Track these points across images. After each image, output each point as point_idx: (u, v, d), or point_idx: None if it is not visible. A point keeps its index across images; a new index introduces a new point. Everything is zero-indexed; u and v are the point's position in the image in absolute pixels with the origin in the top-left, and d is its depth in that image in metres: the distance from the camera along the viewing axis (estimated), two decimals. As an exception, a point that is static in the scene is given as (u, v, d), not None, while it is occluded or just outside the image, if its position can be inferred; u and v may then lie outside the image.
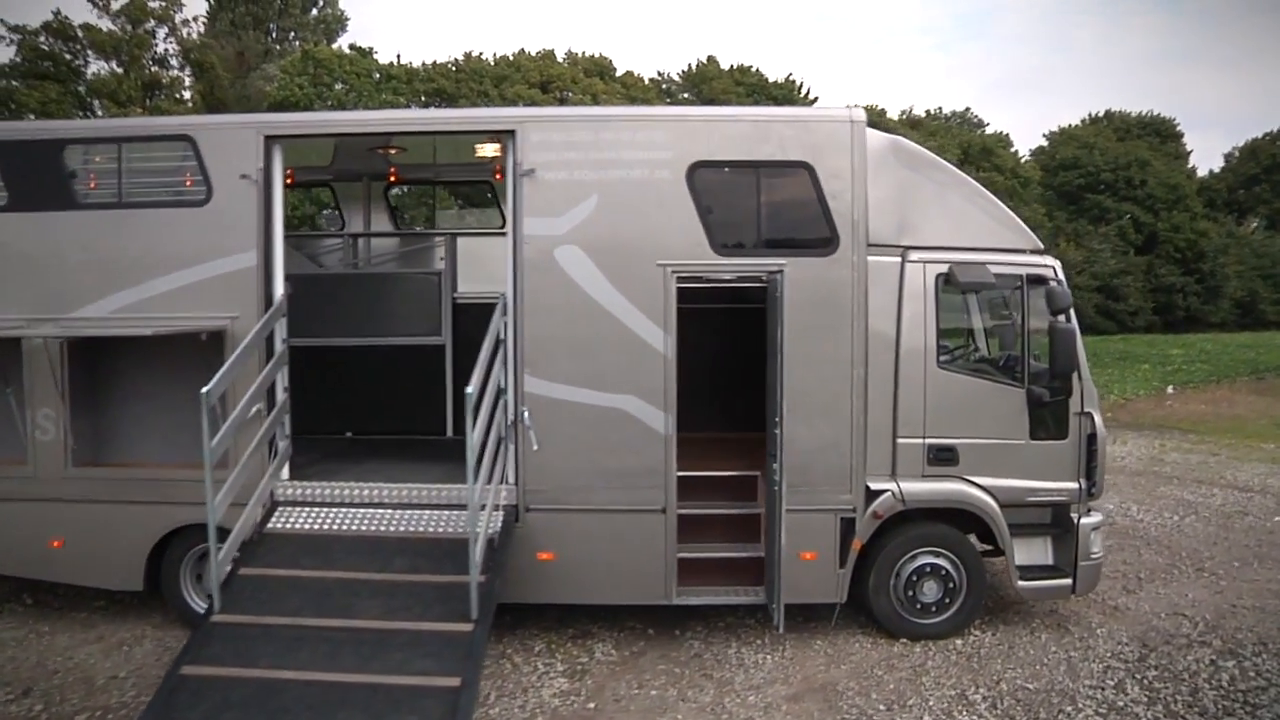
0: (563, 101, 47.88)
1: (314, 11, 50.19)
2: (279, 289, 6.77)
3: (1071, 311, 6.80)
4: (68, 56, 32.47)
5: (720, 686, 6.20)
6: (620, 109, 7.29)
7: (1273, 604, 7.75)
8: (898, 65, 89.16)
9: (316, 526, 6.56)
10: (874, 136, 6.76)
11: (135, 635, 7.06)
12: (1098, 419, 6.93)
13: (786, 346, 6.42)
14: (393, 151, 8.18)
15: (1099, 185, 45.87)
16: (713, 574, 6.97)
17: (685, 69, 52.48)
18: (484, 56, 49.25)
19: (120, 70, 32.87)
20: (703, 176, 6.52)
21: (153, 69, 34.09)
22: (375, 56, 43.47)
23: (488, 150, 6.80)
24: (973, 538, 7.08)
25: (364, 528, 6.52)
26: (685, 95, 51.00)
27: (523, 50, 50.15)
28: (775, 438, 6.28)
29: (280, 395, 6.77)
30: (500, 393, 6.62)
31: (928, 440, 6.79)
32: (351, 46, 42.86)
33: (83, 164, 6.90)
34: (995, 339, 7.68)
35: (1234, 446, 15.71)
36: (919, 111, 51.60)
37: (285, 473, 6.89)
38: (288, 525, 6.59)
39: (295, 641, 5.57)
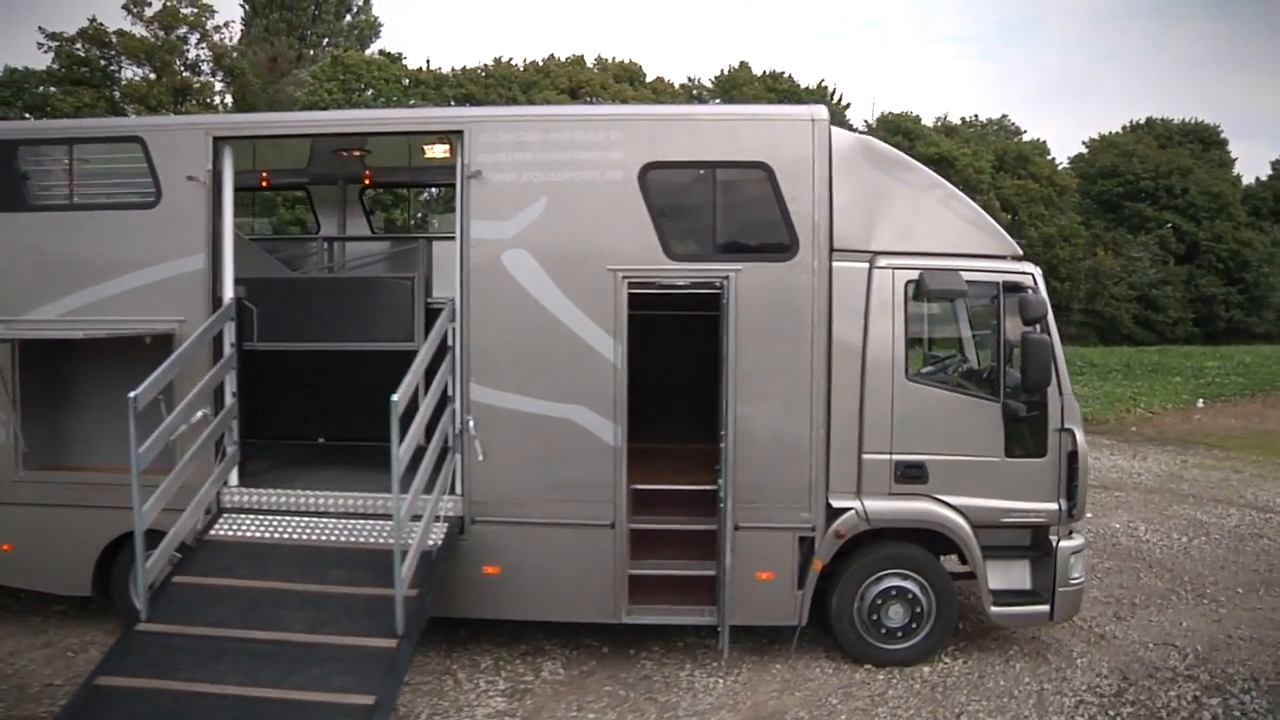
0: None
1: (348, 18, 50.72)
2: (228, 292, 6.64)
3: (1050, 321, 6.45)
4: (103, 62, 33.07)
5: (663, 712, 5.93)
6: (571, 108, 7.09)
7: (1272, 635, 7.28)
8: (940, 73, 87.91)
9: (259, 534, 6.42)
10: (841, 136, 6.46)
11: (84, 642, 6.96)
12: (1079, 436, 6.54)
13: (742, 355, 6.16)
14: (357, 153, 8.04)
15: (1139, 193, 44.74)
16: (667, 592, 6.68)
17: (717, 74, 52.15)
18: (514, 62, 49.34)
19: (152, 76, 33.36)
20: (656, 178, 6.27)
21: (184, 74, 34.55)
22: (405, 62, 43.82)
23: (437, 151, 6.62)
24: (952, 559, 6.74)
25: (305, 536, 6.36)
26: (716, 101, 50.71)
27: (552, 56, 50.27)
28: (723, 451, 5.97)
29: (229, 400, 6.65)
30: (447, 401, 6.44)
31: (895, 456, 6.46)
32: (381, 52, 43.25)
33: (35, 165, 6.83)
34: (972, 350, 7.33)
35: (1260, 464, 15.04)
36: (954, 119, 50.86)
37: (234, 478, 6.75)
38: (230, 532, 6.46)
39: (217, 653, 5.41)
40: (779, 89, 48.93)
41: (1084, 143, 52.26)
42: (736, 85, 48.94)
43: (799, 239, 6.20)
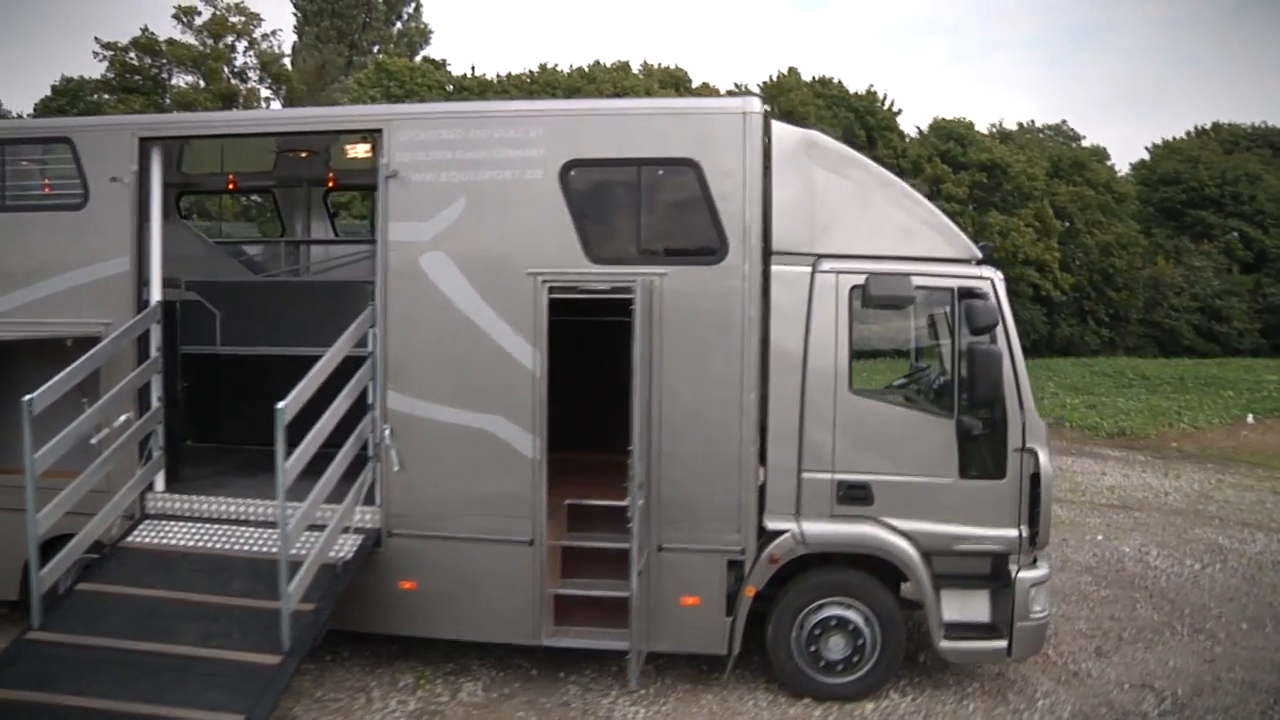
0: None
1: (398, 25, 51.35)
2: (155, 295, 6.51)
3: (1008, 331, 5.93)
4: (154, 70, 33.99)
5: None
6: (492, 104, 6.82)
7: (1266, 679, 6.63)
8: (1004, 79, 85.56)
9: (174, 542, 6.26)
10: (784, 132, 6.08)
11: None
12: (1043, 457, 5.99)
13: (668, 365, 5.83)
14: (304, 155, 7.86)
15: (1202, 200, 42.75)
16: (597, 614, 6.30)
17: (765, 81, 51.50)
18: (559, 68, 49.36)
19: (201, 83, 34.19)
20: (578, 177, 5.95)
21: (232, 81, 35.33)
22: (449, 68, 44.17)
23: (359, 151, 6.40)
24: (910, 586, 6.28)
25: (219, 545, 6.17)
26: (765, 109, 50.10)
27: (598, 62, 50.22)
28: (630, 467, 5.57)
29: (154, 404, 6.51)
30: (369, 408, 6.21)
31: (837, 475, 6.01)
32: (425, 59, 43.63)
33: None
34: (926, 361, 6.85)
35: (1304, 486, 14.06)
36: (1011, 125, 49.39)
37: (160, 483, 6.61)
38: (147, 539, 6.31)
39: (100, 665, 5.25)
40: (827, 95, 48.14)
41: (1147, 148, 50.19)
42: (783, 91, 48.24)
43: (728, 241, 5.82)
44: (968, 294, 5.93)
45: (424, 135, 6.06)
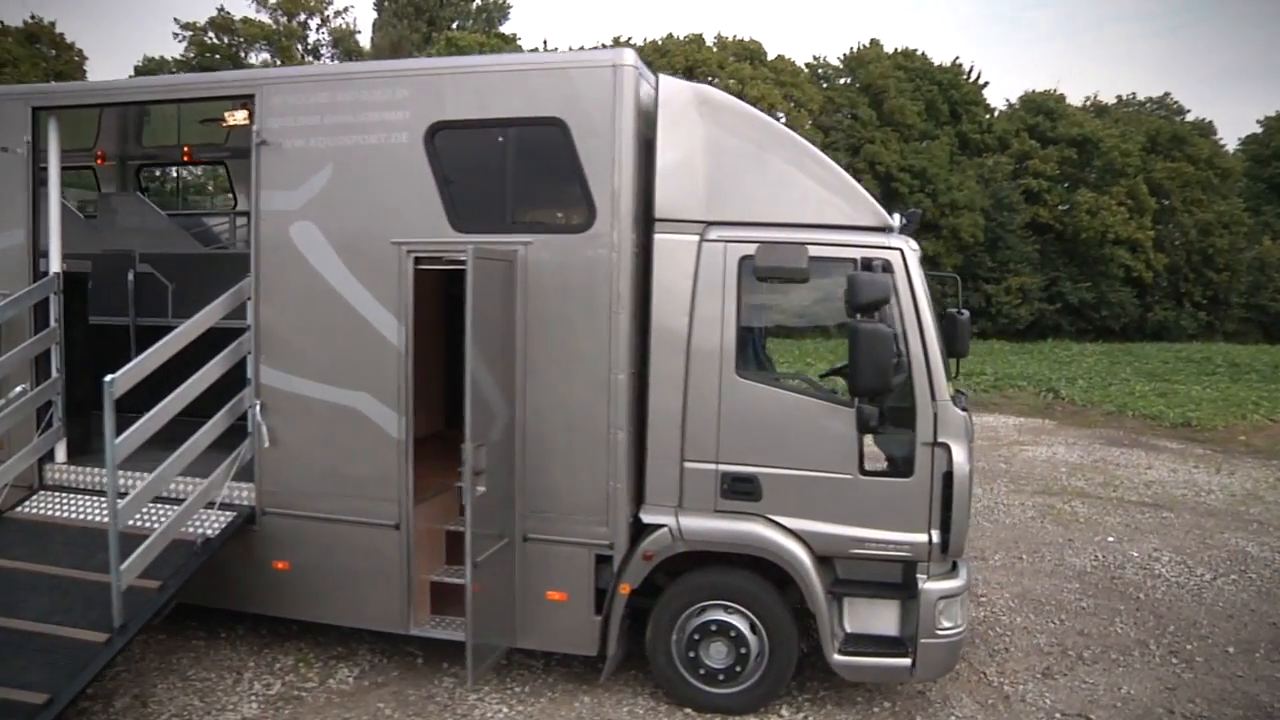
0: (711, 87, 46.87)
1: (476, 1, 51.55)
2: (55, 266, 6.44)
3: (918, 309, 5.27)
4: (231, 49, 35.01)
5: (414, 740, 5.30)
6: (359, 64, 6.44)
7: (1230, 714, 5.83)
8: (1113, 51, 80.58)
9: (56, 514, 6.21)
10: (673, 87, 5.55)
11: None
12: (958, 453, 5.29)
13: (533, 342, 5.44)
14: (223, 124, 7.64)
15: (1320, 174, 39.43)
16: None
17: (845, 53, 49.79)
18: (633, 41, 48.77)
19: (275, 61, 35.05)
20: (444, 140, 5.55)
21: (305, 58, 36.12)
22: (520, 43, 44.18)
23: (239, 118, 6.16)
24: None
25: (97, 519, 6.06)
26: (843, 81, 48.53)
27: (670, 35, 49.42)
28: (464, 451, 5.12)
29: (53, 374, 6.46)
30: (248, 382, 6.01)
31: (722, 467, 5.50)
32: (496, 34, 43.73)
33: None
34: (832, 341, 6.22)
35: (1376, 491, 12.61)
36: (1108, 98, 46.47)
37: (61, 455, 6.57)
38: (33, 511, 6.29)
39: None
40: (910, 67, 46.21)
41: (1259, 122, 46.48)
42: (863, 63, 46.54)
43: (596, 207, 5.34)
44: (870, 266, 5.29)
45: (294, 100, 5.77)
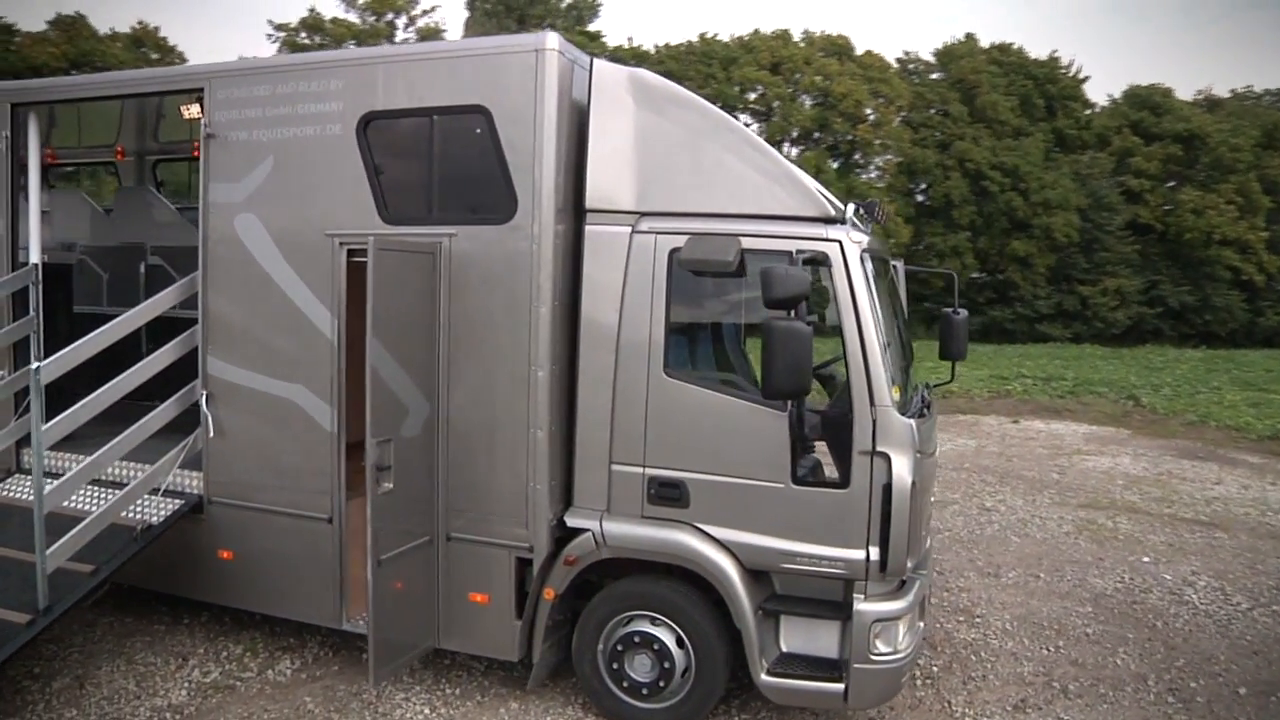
0: (793, 84, 46.02)
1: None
2: (34, 257, 6.66)
3: (857, 305, 4.86)
4: (321, 48, 36.21)
5: (325, 737, 5.23)
6: (298, 56, 6.37)
7: (1215, 760, 5.25)
8: (1233, 43, 75.62)
9: (23, 497, 6.36)
10: (606, 72, 5.32)
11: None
12: (899, 463, 4.88)
13: (457, 336, 5.32)
14: (186, 115, 7.67)
15: None
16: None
17: (937, 48, 48.13)
18: (719, 38, 48.25)
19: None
20: (375, 130, 5.47)
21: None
22: (604, 40, 44.24)
23: (193, 111, 6.22)
24: None
25: (66, 502, 6.17)
26: (934, 76, 46.97)
27: (757, 31, 48.75)
28: (370, 449, 5.00)
29: (32, 361, 6.66)
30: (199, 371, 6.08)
31: (649, 470, 5.25)
32: (580, 31, 43.88)
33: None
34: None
35: None
36: (1221, 91, 43.55)
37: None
38: (2, 494, 6.49)
39: None
40: (1004, 61, 44.37)
41: (1405, 112, 42.76)
42: (954, 58, 44.89)
43: (518, 198, 5.16)
44: (815, 260, 4.90)
45: (238, 93, 5.79)
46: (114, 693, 5.63)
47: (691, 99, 5.38)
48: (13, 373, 6.59)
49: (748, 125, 49.70)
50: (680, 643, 5.27)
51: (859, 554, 4.94)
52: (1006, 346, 35.50)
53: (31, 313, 6.64)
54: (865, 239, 5.16)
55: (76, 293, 7.45)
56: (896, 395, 5.03)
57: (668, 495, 5.21)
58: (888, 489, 4.87)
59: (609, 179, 5.27)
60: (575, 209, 5.32)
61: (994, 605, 7.64)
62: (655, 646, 5.27)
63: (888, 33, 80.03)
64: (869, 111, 45.07)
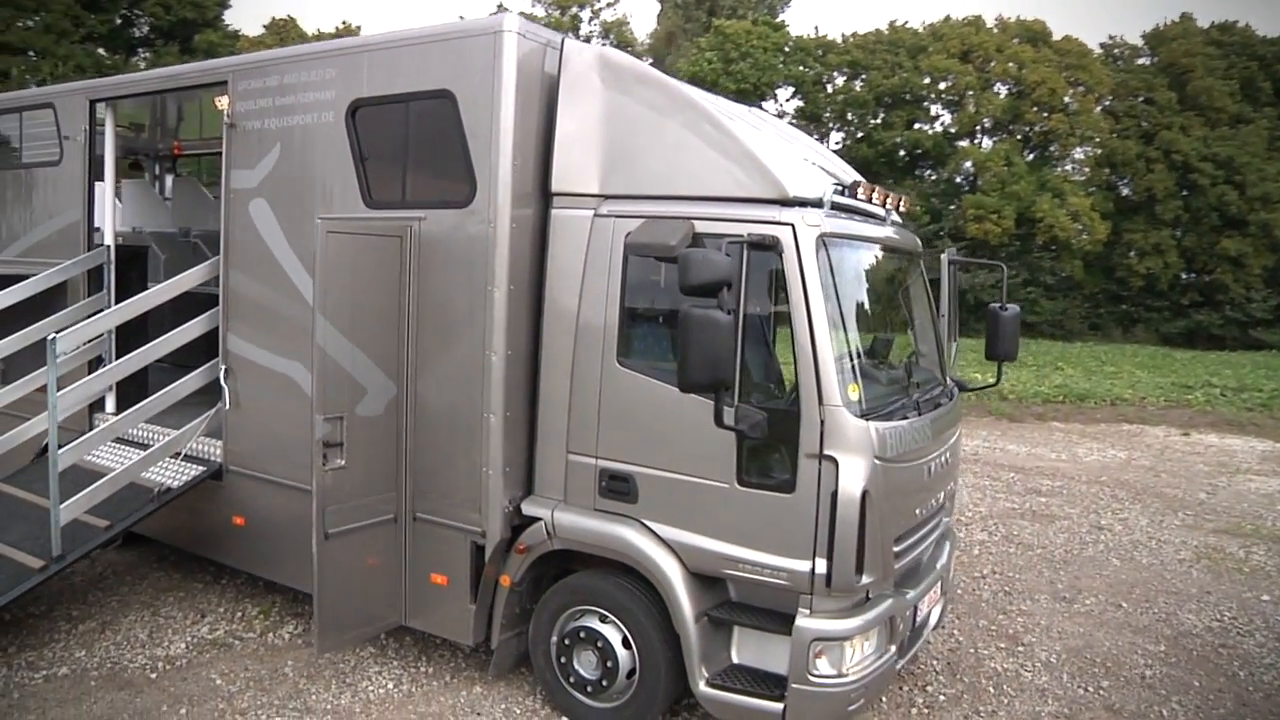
0: (984, 72, 43.42)
1: (758, -11, 51.10)
2: (108, 239, 7.34)
3: (807, 294, 4.49)
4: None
5: (289, 699, 5.41)
6: (304, 47, 6.47)
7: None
8: None
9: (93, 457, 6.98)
10: (575, 52, 5.23)
11: None
12: (848, 469, 4.45)
13: (420, 319, 5.41)
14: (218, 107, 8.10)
15: None
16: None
17: (1149, 30, 43.96)
18: (909, 25, 46.29)
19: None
20: (362, 117, 5.61)
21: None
22: (787, 29, 43.51)
23: (222, 103, 6.58)
24: None
25: (101, 461, 6.69)
26: (1140, 61, 43.00)
27: (948, 17, 46.39)
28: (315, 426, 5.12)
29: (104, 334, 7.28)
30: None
31: (601, 462, 5.10)
32: (763, 21, 43.33)
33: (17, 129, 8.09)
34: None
35: None
36: None
37: (110, 405, 7.34)
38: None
39: None
40: (1225, 42, 39.90)
41: None
42: (1164, 41, 40.80)
43: (477, 181, 5.14)
44: (764, 245, 4.57)
45: (254, 84, 6.12)
46: (126, 639, 6.12)
47: (657, 78, 5.16)
48: (85, 345, 7.26)
49: (936, 116, 47.54)
50: (626, 643, 5.08)
51: (804, 565, 4.57)
52: (1209, 353, 32.04)
53: (104, 289, 7.32)
54: (833, 224, 4.78)
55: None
56: (855, 394, 4.61)
57: (617, 489, 5.04)
58: (834, 496, 4.47)
59: (573, 162, 5.15)
60: (542, 192, 5.24)
61: (1049, 634, 6.88)
62: (599, 644, 5.11)
63: (1091, 16, 73.82)
64: (1067, 100, 41.92)
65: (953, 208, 40.44)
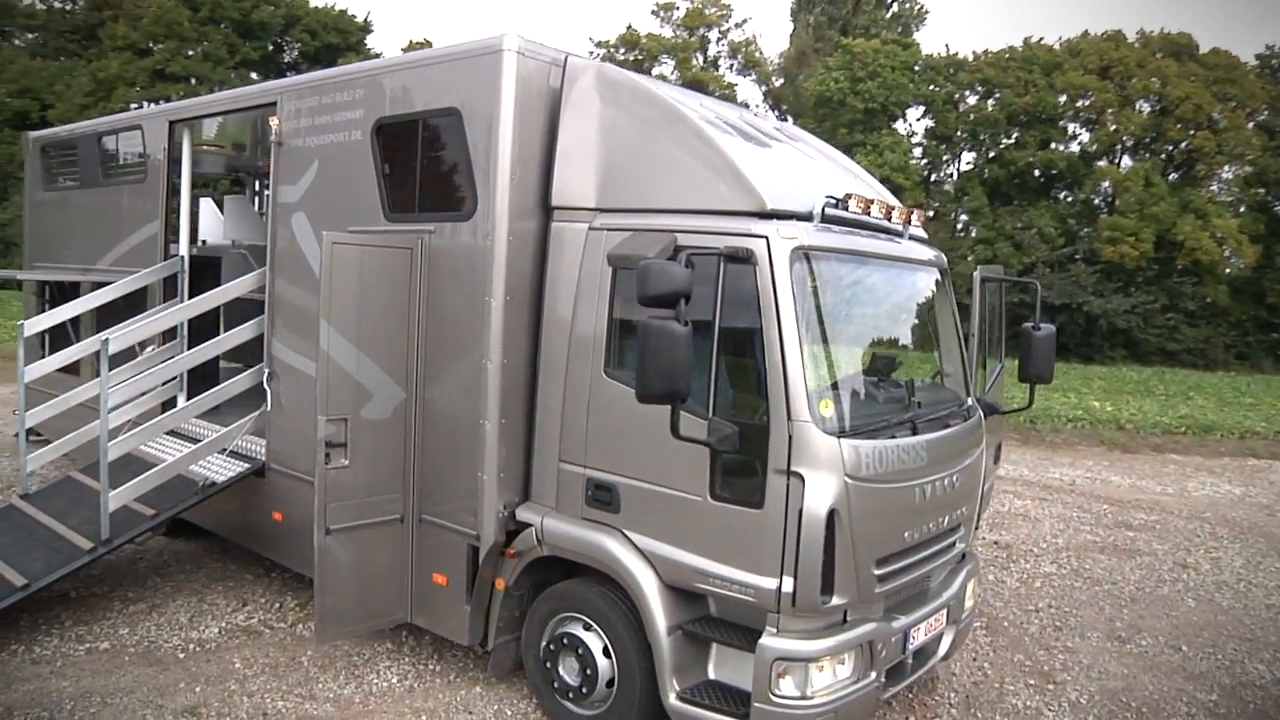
0: (1124, 89, 41.16)
1: (893, 8, 50.26)
2: (183, 250, 7.96)
3: (764, 307, 4.47)
4: (639, 62, 38.76)
5: (296, 685, 5.68)
6: (340, 69, 6.75)
7: None
8: None
9: (149, 449, 7.49)
10: (577, 68, 5.39)
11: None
12: (815, 486, 4.37)
13: (428, 328, 5.65)
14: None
15: None
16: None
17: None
18: (1044, 41, 44.47)
19: (672, 73, 38.22)
20: (385, 134, 5.92)
21: (699, 69, 38.79)
22: (918, 48, 42.61)
23: (274, 124, 7.01)
24: None
25: (159, 453, 7.21)
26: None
27: (1086, 33, 44.31)
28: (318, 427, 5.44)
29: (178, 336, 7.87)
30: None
31: (588, 471, 5.17)
32: (892, 40, 42.60)
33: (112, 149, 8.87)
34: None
35: None
36: None
37: (181, 400, 7.85)
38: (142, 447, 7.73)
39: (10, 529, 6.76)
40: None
41: None
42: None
43: (478, 195, 5.32)
44: (738, 257, 4.55)
45: (297, 104, 6.53)
46: (169, 621, 6.56)
47: (651, 92, 5.24)
48: (160, 347, 7.87)
49: (1073, 135, 45.30)
50: (607, 652, 5.11)
51: (770, 582, 4.49)
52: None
53: (179, 295, 7.92)
54: (823, 238, 4.73)
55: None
56: (827, 410, 4.52)
57: (602, 498, 5.09)
58: (800, 514, 4.39)
59: (572, 176, 5.28)
60: (544, 206, 5.38)
61: (1088, 673, 6.47)
62: (580, 651, 5.16)
63: (1247, 27, 68.71)
64: (1215, 115, 39.28)
65: (1088, 230, 38.46)
